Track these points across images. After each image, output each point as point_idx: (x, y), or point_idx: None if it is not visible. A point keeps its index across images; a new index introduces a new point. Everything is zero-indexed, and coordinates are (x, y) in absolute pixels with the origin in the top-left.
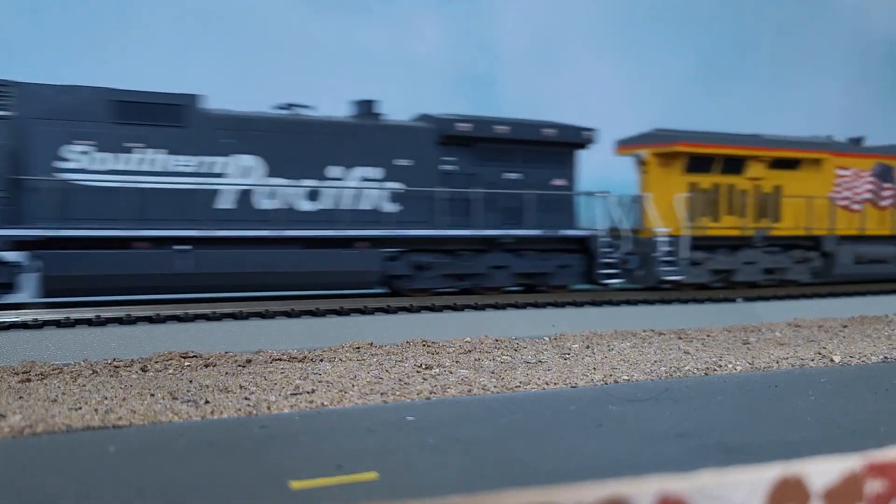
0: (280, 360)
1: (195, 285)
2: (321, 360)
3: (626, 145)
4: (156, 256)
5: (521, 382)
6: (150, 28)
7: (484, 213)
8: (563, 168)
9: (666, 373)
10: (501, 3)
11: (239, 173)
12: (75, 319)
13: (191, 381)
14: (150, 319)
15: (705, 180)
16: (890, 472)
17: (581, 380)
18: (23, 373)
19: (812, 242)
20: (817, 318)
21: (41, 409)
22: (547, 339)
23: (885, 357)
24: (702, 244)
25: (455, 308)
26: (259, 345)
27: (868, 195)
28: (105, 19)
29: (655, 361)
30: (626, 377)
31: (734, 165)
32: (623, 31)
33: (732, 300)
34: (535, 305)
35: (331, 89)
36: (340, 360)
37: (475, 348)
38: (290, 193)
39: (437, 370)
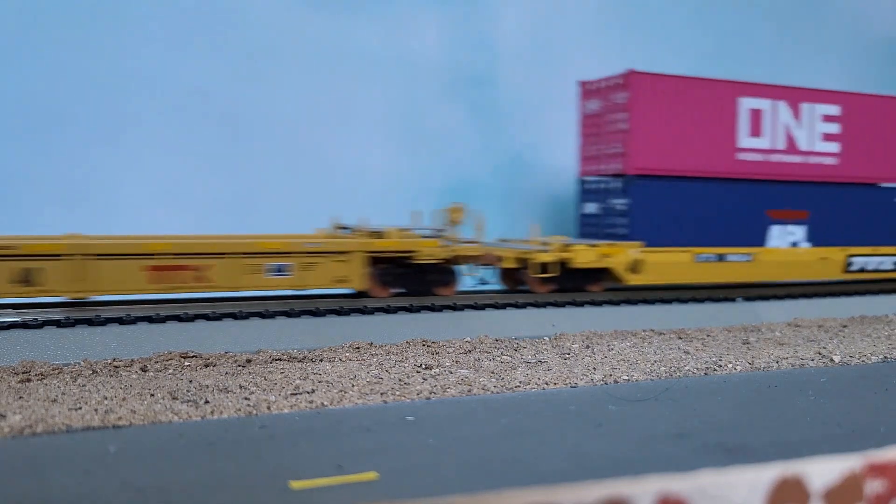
0: (280, 360)
1: None
2: (321, 360)
3: None
4: None
5: (521, 382)
6: (148, 26)
7: None
8: None
9: (666, 373)
10: (501, 2)
11: None
12: (75, 319)
13: (191, 381)
14: (150, 319)
15: None
16: (890, 472)
17: (581, 380)
18: (23, 373)
19: None
20: (817, 318)
21: (41, 409)
22: (547, 339)
23: (885, 357)
24: None
25: (455, 308)
26: (259, 345)
27: None
28: (102, 17)
29: (655, 361)
30: (626, 377)
31: None
32: (622, 30)
33: (732, 300)
34: (535, 305)
35: (328, 88)
36: (340, 360)
37: (475, 348)
38: None
39: (437, 370)
